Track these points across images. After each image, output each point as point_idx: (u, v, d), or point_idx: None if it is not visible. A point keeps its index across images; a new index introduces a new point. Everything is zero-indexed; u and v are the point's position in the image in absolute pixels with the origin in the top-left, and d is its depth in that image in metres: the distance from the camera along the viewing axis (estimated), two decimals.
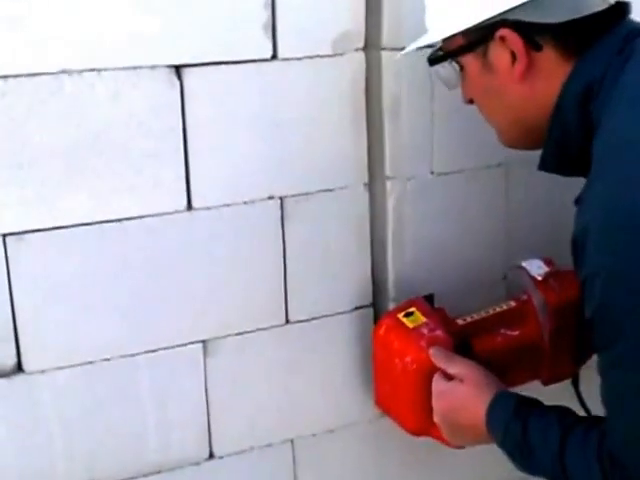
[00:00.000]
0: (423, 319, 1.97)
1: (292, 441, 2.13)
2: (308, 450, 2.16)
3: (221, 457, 2.05)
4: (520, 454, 1.65)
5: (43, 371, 1.83)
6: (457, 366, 1.83)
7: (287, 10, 1.88)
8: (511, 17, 1.55)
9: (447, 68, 1.71)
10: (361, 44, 1.98)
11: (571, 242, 1.45)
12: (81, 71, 1.73)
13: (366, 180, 2.06)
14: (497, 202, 2.18)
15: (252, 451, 2.08)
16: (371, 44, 1.99)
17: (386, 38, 1.97)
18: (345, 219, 2.06)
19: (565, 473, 1.55)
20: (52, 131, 1.73)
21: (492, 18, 1.56)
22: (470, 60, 1.65)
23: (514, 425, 1.64)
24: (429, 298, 2.06)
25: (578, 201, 1.47)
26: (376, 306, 2.14)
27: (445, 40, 1.68)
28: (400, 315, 1.99)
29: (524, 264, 2.02)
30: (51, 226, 1.77)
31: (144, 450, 1.97)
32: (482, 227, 2.18)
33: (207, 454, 2.04)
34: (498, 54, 1.59)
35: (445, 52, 1.70)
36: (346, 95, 1.99)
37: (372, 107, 2.03)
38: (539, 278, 1.99)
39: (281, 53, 1.90)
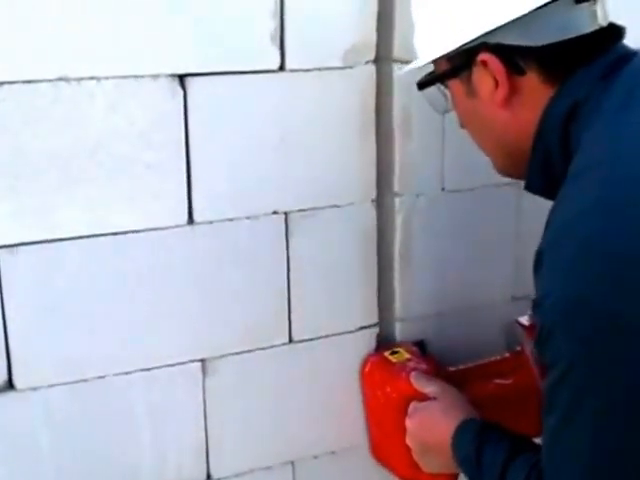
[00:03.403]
0: (407, 356, 2.01)
1: (292, 463, 2.09)
2: (309, 472, 2.11)
3: (219, 479, 2.00)
4: (473, 477, 1.68)
5: (35, 388, 1.77)
6: (433, 386, 1.89)
7: (296, 20, 1.84)
8: (492, 40, 1.49)
9: (435, 93, 1.68)
10: (372, 56, 1.94)
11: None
12: (80, 79, 1.68)
13: (374, 196, 2.01)
14: (508, 221, 2.14)
15: (251, 473, 2.03)
16: (382, 57, 1.95)
17: (398, 51, 1.92)
18: (351, 236, 2.01)
19: None
20: (49, 140, 1.68)
21: (472, 42, 1.51)
22: (456, 85, 1.61)
23: (472, 448, 1.67)
24: (420, 344, 2.08)
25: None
26: (381, 325, 2.09)
27: (435, 64, 1.64)
28: (386, 353, 2.03)
29: (517, 318, 2.02)
30: (46, 238, 1.72)
31: (139, 471, 1.91)
32: (492, 246, 2.14)
33: (204, 476, 1.98)
34: (481, 79, 1.54)
35: (433, 77, 1.66)
36: (355, 109, 1.95)
37: (382, 121, 1.99)
38: (527, 324, 1.99)
39: (289, 64, 1.85)
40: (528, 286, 1.85)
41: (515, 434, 1.68)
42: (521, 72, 1.50)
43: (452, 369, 2.05)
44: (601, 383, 1.32)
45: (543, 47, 1.47)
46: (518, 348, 2.05)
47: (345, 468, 2.14)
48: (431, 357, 2.06)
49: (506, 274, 2.17)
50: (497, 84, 1.51)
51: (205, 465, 1.98)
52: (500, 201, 2.10)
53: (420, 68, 1.64)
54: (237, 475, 2.02)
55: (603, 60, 1.48)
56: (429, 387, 1.89)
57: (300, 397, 2.04)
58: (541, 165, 1.56)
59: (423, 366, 1.98)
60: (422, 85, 1.67)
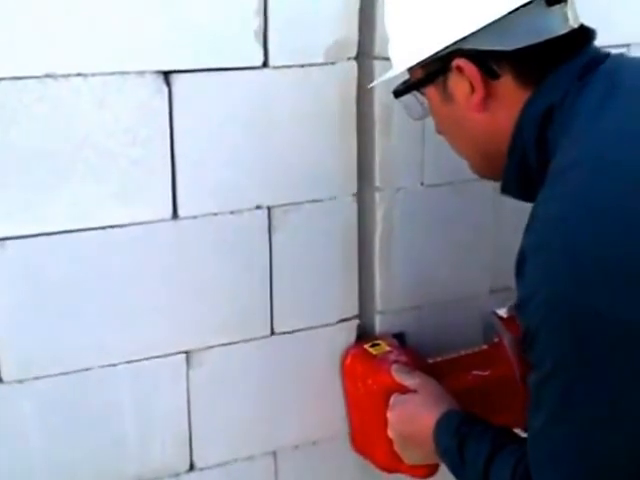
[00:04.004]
0: (388, 348, 2.03)
1: (274, 453, 2.10)
2: (290, 462, 2.13)
3: (202, 469, 2.02)
4: (456, 470, 1.70)
5: (22, 381, 1.79)
6: (414, 378, 1.91)
7: (279, 17, 1.85)
8: (466, 46, 1.51)
9: (411, 100, 1.70)
10: (353, 53, 1.95)
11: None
12: (67, 75, 1.69)
13: (355, 190, 2.03)
14: (487, 215, 2.16)
15: (234, 463, 2.05)
16: (363, 53, 1.97)
17: (379, 47, 1.94)
18: (333, 230, 2.03)
19: None
20: (36, 136, 1.69)
21: (446, 48, 1.52)
22: (431, 91, 1.62)
23: (454, 441, 1.69)
24: (400, 336, 2.10)
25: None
26: (362, 318, 2.12)
27: (409, 72, 1.65)
28: (366, 346, 2.05)
29: (495, 310, 2.05)
30: (33, 233, 1.73)
31: (124, 460, 1.93)
32: (471, 240, 2.17)
33: (188, 465, 2.00)
34: (456, 84, 1.55)
35: (408, 84, 1.67)
36: (337, 104, 1.96)
37: (363, 116, 2.01)
38: (505, 316, 2.02)
39: (272, 61, 1.87)
40: (506, 279, 1.91)
41: (496, 426, 1.70)
42: (496, 76, 1.51)
43: (431, 361, 2.07)
44: (587, 383, 1.33)
45: (516, 51, 1.48)
46: (496, 340, 2.06)
47: (326, 458, 2.16)
48: (410, 349, 2.08)
49: (485, 267, 2.20)
50: (473, 89, 1.53)
51: (188, 455, 2.00)
52: (479, 195, 2.12)
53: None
54: (220, 465, 2.04)
55: (577, 62, 1.50)
56: (410, 380, 1.91)
57: (282, 388, 2.06)
58: (517, 168, 1.58)
59: (403, 358, 1.99)
60: (398, 93, 1.68)
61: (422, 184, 2.08)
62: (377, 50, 1.95)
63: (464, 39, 1.50)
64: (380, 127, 2.00)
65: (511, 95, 1.53)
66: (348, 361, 2.07)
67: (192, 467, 2.01)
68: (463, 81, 1.53)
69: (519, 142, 1.55)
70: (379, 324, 2.12)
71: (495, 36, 1.49)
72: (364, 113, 2.00)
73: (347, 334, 2.10)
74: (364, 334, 2.12)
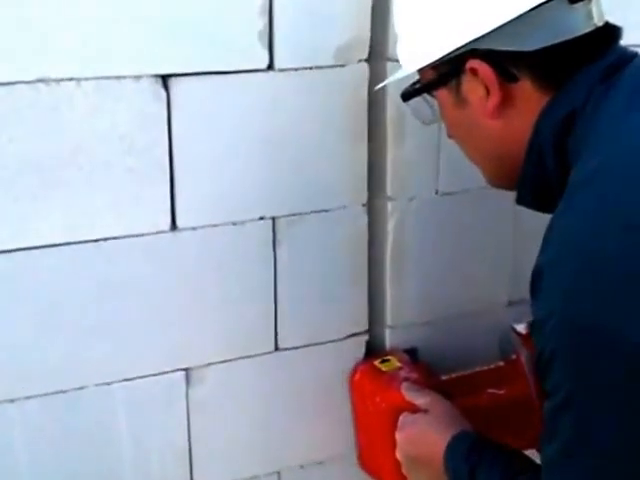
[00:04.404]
0: (398, 364, 1.96)
1: (279, 473, 2.05)
2: None
3: None
4: None
5: (12, 400, 1.73)
6: (424, 397, 1.83)
7: (285, 17, 1.77)
8: (481, 46, 1.42)
9: (420, 103, 1.62)
10: (365, 55, 1.87)
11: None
12: (59, 80, 1.62)
13: (365, 200, 1.96)
14: (505, 225, 2.08)
15: None
16: (376, 54, 1.89)
17: (392, 48, 1.83)
18: (341, 242, 1.95)
19: None
20: (27, 144, 1.62)
21: (460, 48, 1.44)
22: (443, 94, 1.54)
23: (464, 468, 1.61)
24: (412, 352, 2.04)
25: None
26: (371, 332, 2.05)
27: (419, 73, 1.57)
28: (376, 362, 1.98)
29: (513, 325, 1.97)
30: (23, 246, 1.67)
31: None
32: (488, 250, 2.09)
33: None
34: (471, 87, 1.47)
35: (418, 86, 1.58)
36: (347, 109, 1.89)
37: (374, 121, 1.93)
38: (524, 332, 1.94)
39: (278, 63, 1.79)
40: (525, 291, 1.81)
41: (509, 450, 1.63)
42: (513, 79, 1.43)
43: (444, 378, 2.00)
44: (606, 415, 1.25)
45: (536, 52, 1.40)
46: (513, 356, 1.99)
47: (332, 479, 2.10)
48: (422, 365, 2.02)
49: (502, 278, 2.12)
50: (488, 92, 1.45)
51: (189, 476, 1.94)
52: (496, 203, 2.02)
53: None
54: None
55: (601, 63, 1.42)
56: (420, 399, 1.83)
57: (287, 406, 2.00)
58: (533, 177, 1.50)
59: (414, 375, 1.93)
60: (407, 96, 1.60)
61: (437, 192, 2.00)
62: (390, 51, 1.85)
63: (479, 39, 1.41)
64: (393, 132, 1.92)
65: (529, 100, 1.45)
66: (357, 378, 2.00)
67: None
68: (478, 84, 1.45)
69: (536, 150, 1.46)
70: (389, 339, 2.05)
71: (513, 36, 1.40)
72: (376, 118, 1.93)
73: (356, 350, 2.03)
74: (374, 350, 2.05)
